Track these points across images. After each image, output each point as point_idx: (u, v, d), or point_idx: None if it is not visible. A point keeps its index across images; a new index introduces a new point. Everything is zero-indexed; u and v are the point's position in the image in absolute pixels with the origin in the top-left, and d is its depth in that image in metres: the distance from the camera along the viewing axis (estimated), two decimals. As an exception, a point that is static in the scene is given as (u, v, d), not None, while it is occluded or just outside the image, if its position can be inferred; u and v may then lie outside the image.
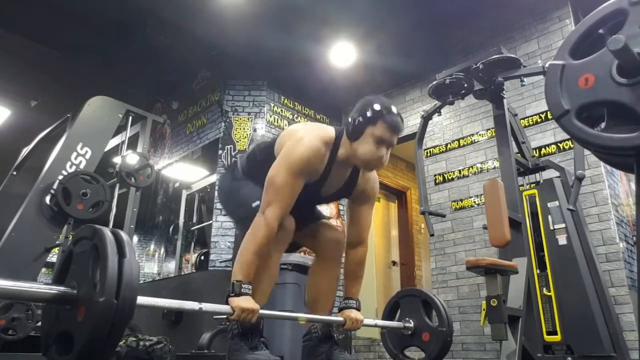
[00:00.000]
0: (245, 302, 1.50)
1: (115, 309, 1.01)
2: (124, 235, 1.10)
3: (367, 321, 1.88)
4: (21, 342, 2.85)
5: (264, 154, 1.84)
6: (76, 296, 1.07)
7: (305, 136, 1.68)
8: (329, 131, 1.76)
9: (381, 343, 4.62)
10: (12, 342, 2.80)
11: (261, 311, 1.54)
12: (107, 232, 1.09)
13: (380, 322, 2.02)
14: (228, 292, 1.52)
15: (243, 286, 1.52)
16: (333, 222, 5.06)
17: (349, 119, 1.72)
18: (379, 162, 1.70)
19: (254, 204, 1.68)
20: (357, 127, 1.68)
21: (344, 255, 1.94)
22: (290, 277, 3.67)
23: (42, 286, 1.09)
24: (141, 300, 1.18)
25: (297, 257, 3.71)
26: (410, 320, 1.99)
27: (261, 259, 1.60)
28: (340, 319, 1.79)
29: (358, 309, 1.82)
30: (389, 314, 2.18)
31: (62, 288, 1.09)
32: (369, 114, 1.68)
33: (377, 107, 1.68)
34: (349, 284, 1.89)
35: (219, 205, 4.74)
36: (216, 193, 4.77)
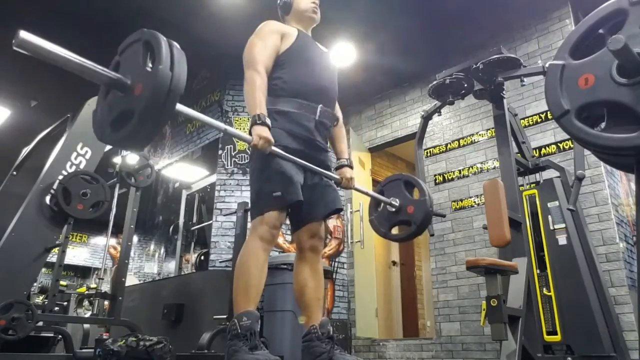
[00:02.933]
0: (265, 132, 1.68)
1: (171, 77, 1.14)
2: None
3: (359, 187, 2.16)
4: (21, 342, 2.85)
5: None
6: (130, 82, 1.20)
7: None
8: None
9: (381, 343, 4.63)
10: (12, 342, 2.80)
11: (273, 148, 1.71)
12: (158, 34, 1.25)
13: (372, 192, 2.27)
14: (253, 121, 1.71)
15: (266, 117, 1.73)
16: (333, 222, 5.06)
17: (278, 3, 2.22)
18: (314, 11, 2.18)
19: (275, 194, 1.79)
20: (285, 1, 2.18)
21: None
22: (290, 277, 3.64)
23: (102, 69, 1.21)
24: (179, 107, 1.30)
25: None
26: (396, 199, 2.23)
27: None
28: (337, 176, 2.01)
29: (351, 167, 2.09)
30: (375, 203, 2.38)
31: (119, 75, 1.22)
32: None
33: None
34: (336, 145, 2.15)
35: (219, 205, 4.75)
36: (217, 192, 4.77)
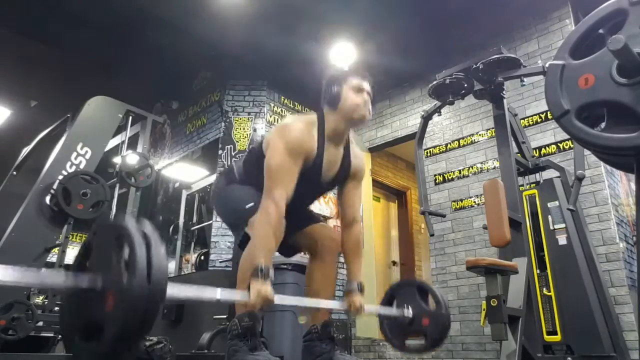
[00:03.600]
0: (265, 289, 1.46)
1: (147, 293, 0.95)
2: (147, 223, 1.06)
3: (368, 308, 1.90)
4: (21, 342, 2.85)
5: (254, 156, 1.87)
6: (102, 284, 1.02)
7: (288, 122, 1.77)
8: (311, 114, 1.85)
9: (381, 343, 4.62)
10: (12, 342, 2.80)
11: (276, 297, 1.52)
12: (130, 220, 1.06)
13: (382, 310, 2.05)
14: (254, 273, 1.48)
15: (270, 270, 1.49)
16: (333, 222, 5.06)
17: (325, 92, 1.83)
18: (365, 107, 1.79)
19: (248, 205, 1.69)
20: (334, 92, 1.79)
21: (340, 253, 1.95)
22: (290, 277, 3.67)
23: (63, 274, 1.05)
24: (170, 289, 1.08)
25: (296, 257, 3.70)
26: (409, 309, 2.01)
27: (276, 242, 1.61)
28: (344, 304, 1.80)
29: (362, 292, 1.82)
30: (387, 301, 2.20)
31: (85, 276, 1.03)
32: (338, 77, 1.84)
33: (341, 69, 1.96)
34: (349, 265, 1.89)
35: (219, 205, 4.74)
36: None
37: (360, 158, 1.97)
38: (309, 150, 1.73)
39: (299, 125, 1.73)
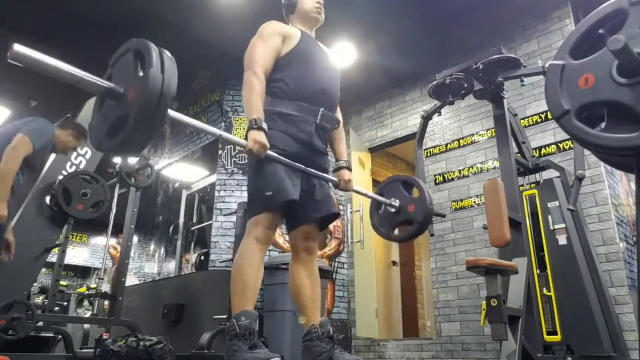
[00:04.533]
0: (260, 136, 1.69)
1: (162, 80, 1.18)
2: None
3: (358, 188, 2.16)
4: (21, 342, 2.85)
5: None
6: (123, 90, 1.23)
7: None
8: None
9: (381, 343, 4.63)
10: (12, 342, 2.80)
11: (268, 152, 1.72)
12: (146, 41, 1.29)
13: (370, 194, 2.26)
14: (249, 126, 1.71)
15: (262, 122, 1.72)
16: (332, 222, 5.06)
17: (283, 4, 2.20)
18: (319, 5, 2.15)
19: (267, 193, 1.79)
20: (290, 1, 2.16)
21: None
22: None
23: (96, 79, 1.24)
24: (172, 113, 1.33)
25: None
26: (396, 200, 2.23)
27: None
28: (335, 179, 2.02)
29: (349, 168, 2.09)
30: (375, 204, 2.38)
31: (112, 84, 1.25)
32: None
33: None
34: (335, 147, 2.14)
35: (219, 205, 4.75)
36: (217, 192, 4.78)
37: (334, 54, 2.24)
38: (289, 31, 2.03)
39: (270, 22, 2.05)
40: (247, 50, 1.99)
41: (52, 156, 3.55)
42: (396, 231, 2.32)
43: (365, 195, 2.26)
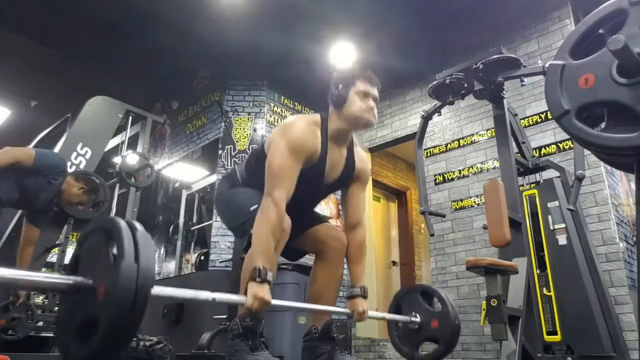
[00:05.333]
0: (262, 291, 1.42)
1: (137, 271, 0.99)
2: (133, 221, 1.09)
3: (373, 314, 1.88)
4: (21, 342, 2.85)
5: (255, 158, 1.87)
6: (92, 282, 1.04)
7: (291, 121, 1.75)
8: (315, 115, 1.83)
9: (381, 343, 4.62)
10: (12, 342, 2.80)
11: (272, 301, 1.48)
12: (116, 218, 1.08)
13: (388, 316, 1.97)
14: (251, 276, 1.44)
15: (268, 272, 1.45)
16: (333, 222, 5.06)
17: (331, 93, 1.80)
18: (371, 113, 1.78)
19: (252, 208, 1.67)
20: (341, 93, 1.77)
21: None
22: (290, 277, 3.67)
23: (57, 277, 1.08)
24: (156, 290, 1.12)
25: (297, 257, 3.71)
26: (416, 314, 1.95)
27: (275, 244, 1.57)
28: (347, 310, 1.76)
29: (365, 297, 1.79)
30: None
31: (78, 278, 1.06)
32: (347, 77, 1.80)
33: (350, 70, 1.88)
34: (353, 268, 1.88)
35: (219, 205, 4.74)
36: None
37: (365, 161, 1.96)
38: (312, 150, 1.72)
39: (302, 125, 1.72)
40: (271, 156, 1.66)
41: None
42: (420, 349, 2.03)
43: (383, 319, 2.02)
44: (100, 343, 0.98)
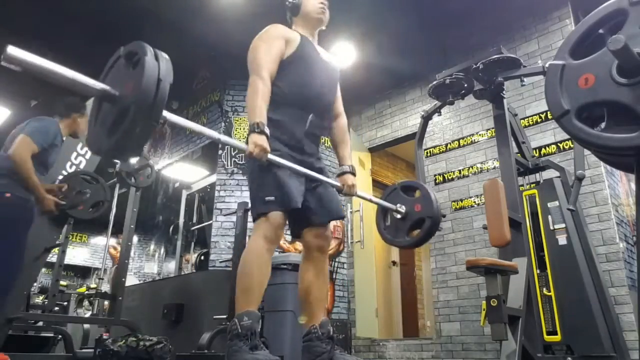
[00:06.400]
0: (261, 140, 1.66)
1: (158, 67, 1.19)
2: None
3: (362, 194, 2.10)
4: (21, 342, 2.85)
5: None
6: (120, 89, 1.22)
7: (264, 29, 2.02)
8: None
9: (381, 343, 4.62)
10: (11, 342, 2.80)
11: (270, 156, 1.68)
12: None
13: (375, 199, 2.19)
14: (251, 129, 1.68)
15: (265, 127, 1.70)
16: (333, 222, 5.06)
17: (287, 6, 2.15)
18: (323, 6, 2.13)
19: (267, 198, 1.79)
20: (294, 2, 2.12)
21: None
22: (290, 277, 3.67)
23: (93, 81, 1.22)
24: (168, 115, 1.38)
25: (297, 257, 3.71)
26: (401, 205, 2.18)
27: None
28: (338, 184, 1.99)
29: (353, 173, 2.04)
30: (381, 215, 2.33)
31: (107, 86, 1.23)
32: None
33: None
34: (339, 150, 2.13)
35: (219, 205, 4.75)
36: (217, 192, 4.78)
37: (335, 58, 2.24)
38: (290, 35, 2.01)
39: (273, 25, 2.02)
40: (250, 51, 1.96)
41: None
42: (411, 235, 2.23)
43: (370, 200, 2.20)
44: (130, 123, 1.14)
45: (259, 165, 1.81)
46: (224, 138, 1.63)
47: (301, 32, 2.09)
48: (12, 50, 1.04)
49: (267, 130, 1.70)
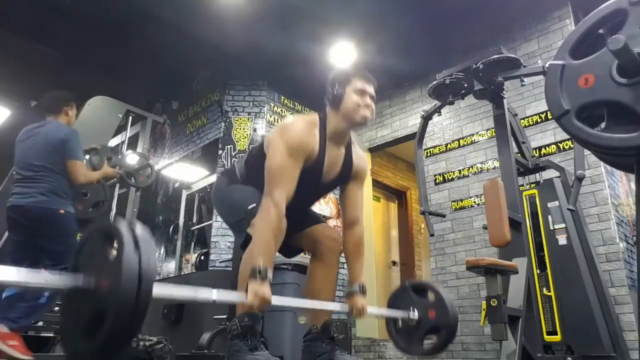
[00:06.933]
0: (263, 290, 1.44)
1: (139, 259, 1.00)
2: (138, 224, 1.11)
3: (372, 310, 1.87)
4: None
5: (255, 157, 1.87)
6: (94, 281, 1.05)
7: (289, 122, 1.78)
8: (313, 115, 1.85)
9: (381, 343, 4.62)
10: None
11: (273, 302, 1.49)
12: (121, 221, 1.10)
13: (385, 311, 1.96)
14: (252, 273, 1.46)
15: (269, 271, 1.48)
16: (333, 222, 5.06)
17: (328, 93, 1.81)
18: (367, 109, 1.78)
19: (250, 206, 1.69)
20: (337, 91, 1.78)
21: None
22: (290, 277, 3.67)
23: (59, 275, 1.09)
24: (157, 289, 1.13)
25: (297, 257, 3.71)
26: (413, 309, 1.93)
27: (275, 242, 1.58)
28: (346, 307, 1.77)
29: (363, 294, 1.79)
30: (392, 319, 2.09)
31: (79, 277, 1.07)
32: (343, 76, 1.81)
33: (346, 69, 1.86)
34: (351, 266, 1.88)
35: (219, 205, 4.74)
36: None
37: (363, 159, 1.97)
38: (310, 150, 1.73)
39: (300, 125, 1.74)
40: (271, 157, 1.67)
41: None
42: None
43: (382, 316, 2.00)
44: (110, 331, 0.98)
45: (228, 186, 1.83)
46: (220, 297, 1.38)
47: (331, 127, 1.80)
48: None
49: (270, 276, 1.47)
